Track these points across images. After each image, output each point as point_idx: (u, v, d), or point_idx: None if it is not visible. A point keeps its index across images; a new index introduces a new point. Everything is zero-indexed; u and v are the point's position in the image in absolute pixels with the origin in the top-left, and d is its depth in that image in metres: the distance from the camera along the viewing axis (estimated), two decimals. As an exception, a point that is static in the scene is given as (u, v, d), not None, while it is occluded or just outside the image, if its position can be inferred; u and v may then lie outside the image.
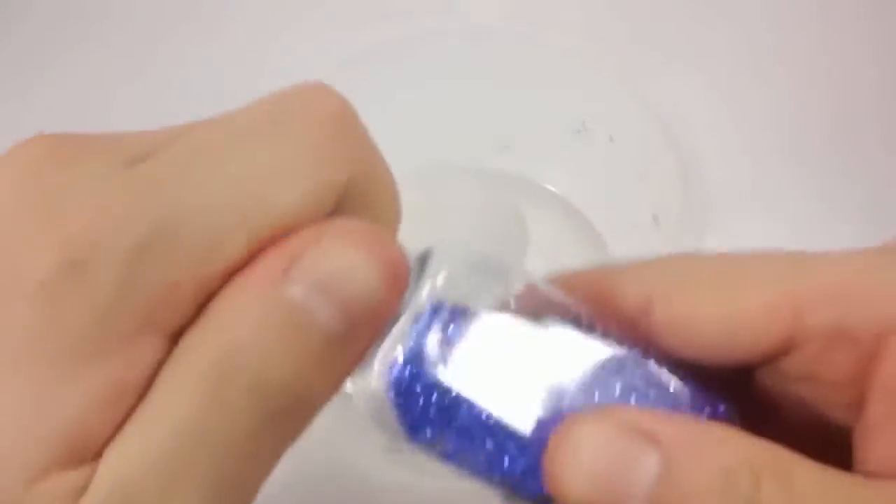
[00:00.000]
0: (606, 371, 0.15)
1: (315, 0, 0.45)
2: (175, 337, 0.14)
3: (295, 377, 0.14)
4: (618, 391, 0.15)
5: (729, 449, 0.13)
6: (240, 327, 0.13)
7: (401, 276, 0.14)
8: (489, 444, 0.15)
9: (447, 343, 0.15)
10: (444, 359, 0.15)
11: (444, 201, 0.40)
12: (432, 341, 0.15)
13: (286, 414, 0.14)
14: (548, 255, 0.42)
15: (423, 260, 0.16)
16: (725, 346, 0.15)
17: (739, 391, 0.16)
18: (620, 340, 0.16)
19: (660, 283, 0.16)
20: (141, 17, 0.56)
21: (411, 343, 0.15)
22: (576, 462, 0.13)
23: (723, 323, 0.15)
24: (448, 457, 0.16)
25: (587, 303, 0.16)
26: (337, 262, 0.14)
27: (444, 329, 0.15)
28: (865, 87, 0.48)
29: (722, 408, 0.16)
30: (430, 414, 0.15)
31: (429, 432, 0.15)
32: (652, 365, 0.15)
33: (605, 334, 0.16)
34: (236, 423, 0.13)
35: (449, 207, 0.41)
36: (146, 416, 0.13)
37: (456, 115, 0.40)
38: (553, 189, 0.44)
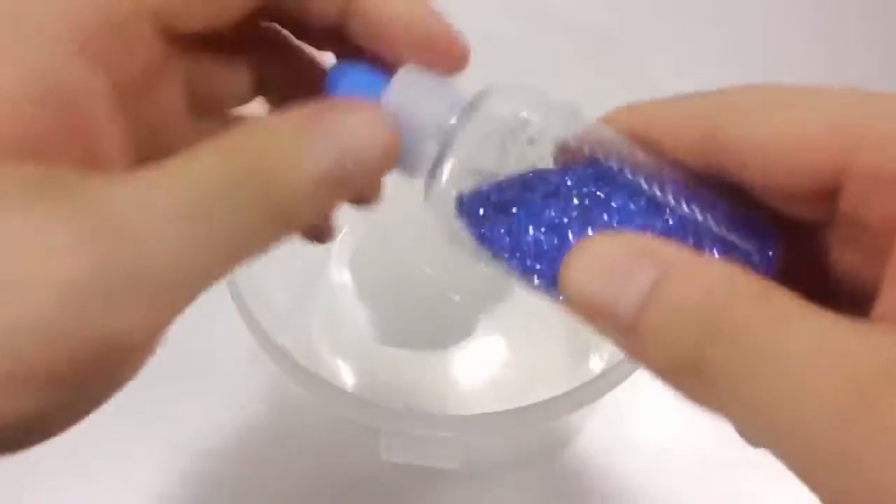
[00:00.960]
0: (642, 207, 0.17)
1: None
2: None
3: (300, 196, 0.16)
4: (654, 226, 0.16)
5: (717, 274, 0.14)
6: (278, 138, 0.16)
7: (393, 154, 0.17)
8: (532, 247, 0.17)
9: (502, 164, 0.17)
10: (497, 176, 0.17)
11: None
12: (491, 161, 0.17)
13: (279, 222, 0.16)
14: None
15: (481, 96, 0.18)
16: (785, 165, 0.16)
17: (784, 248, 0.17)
18: (663, 181, 0.17)
19: (729, 106, 0.16)
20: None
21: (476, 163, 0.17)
22: (585, 263, 0.15)
23: (786, 141, 0.15)
24: (495, 250, 0.17)
25: (641, 138, 0.17)
26: (356, 130, 0.16)
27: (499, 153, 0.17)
28: (864, 85, 0.48)
29: (756, 258, 0.16)
30: (487, 216, 0.17)
31: (485, 230, 0.17)
32: (691, 208, 0.16)
33: (649, 174, 0.17)
34: (244, 209, 0.15)
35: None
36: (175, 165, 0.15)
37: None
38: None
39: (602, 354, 0.39)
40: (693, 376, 0.14)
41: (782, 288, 0.14)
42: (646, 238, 0.15)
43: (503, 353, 0.40)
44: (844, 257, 0.17)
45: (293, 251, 0.42)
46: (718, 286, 0.14)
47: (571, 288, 0.15)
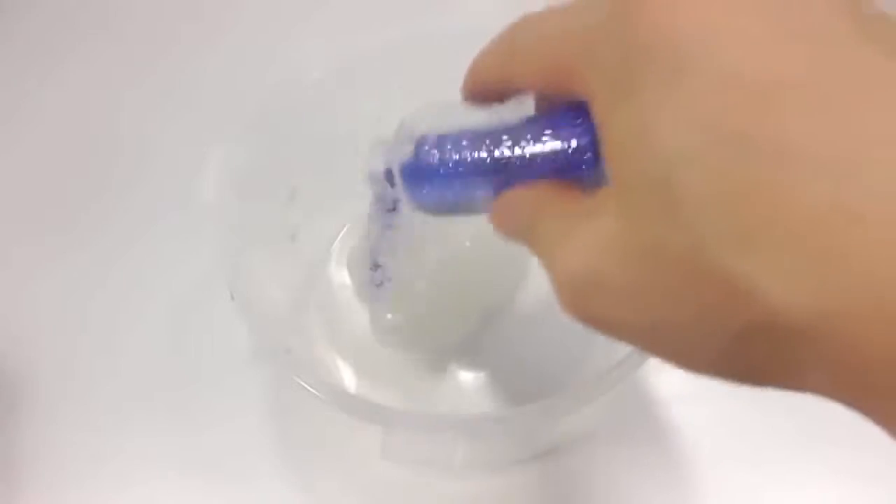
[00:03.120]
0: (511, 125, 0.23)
1: (318, 1, 0.45)
2: None
3: None
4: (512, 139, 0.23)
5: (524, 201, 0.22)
6: None
7: None
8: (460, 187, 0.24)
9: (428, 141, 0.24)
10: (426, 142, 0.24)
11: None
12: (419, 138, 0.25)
13: None
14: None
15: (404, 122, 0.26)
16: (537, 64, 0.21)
17: None
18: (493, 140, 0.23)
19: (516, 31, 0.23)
20: (142, 17, 0.57)
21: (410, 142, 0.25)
22: (504, 215, 0.23)
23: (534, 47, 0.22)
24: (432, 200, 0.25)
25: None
26: None
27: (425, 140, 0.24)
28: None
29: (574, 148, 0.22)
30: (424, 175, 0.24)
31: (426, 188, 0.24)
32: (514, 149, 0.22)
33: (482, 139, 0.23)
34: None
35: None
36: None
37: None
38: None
39: (603, 355, 0.39)
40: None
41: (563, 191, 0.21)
42: (506, 195, 0.23)
43: (504, 353, 0.40)
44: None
45: (293, 251, 0.43)
46: (525, 210, 0.22)
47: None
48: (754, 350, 0.16)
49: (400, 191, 0.25)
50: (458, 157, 0.23)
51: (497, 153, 0.23)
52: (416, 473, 0.38)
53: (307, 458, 0.39)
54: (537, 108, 0.23)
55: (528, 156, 0.22)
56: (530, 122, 0.23)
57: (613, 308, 0.18)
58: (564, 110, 0.22)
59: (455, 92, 0.39)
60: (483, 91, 0.24)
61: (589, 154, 0.21)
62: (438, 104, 0.26)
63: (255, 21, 0.55)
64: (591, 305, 0.18)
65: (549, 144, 0.22)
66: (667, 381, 0.40)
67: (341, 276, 0.42)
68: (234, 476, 0.38)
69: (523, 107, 0.23)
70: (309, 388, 0.30)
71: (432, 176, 0.24)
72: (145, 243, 0.46)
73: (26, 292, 0.45)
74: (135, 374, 0.42)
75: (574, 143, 0.21)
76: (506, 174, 0.23)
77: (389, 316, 0.38)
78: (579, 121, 0.21)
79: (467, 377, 0.39)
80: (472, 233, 0.38)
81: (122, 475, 0.39)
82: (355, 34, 0.38)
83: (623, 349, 0.35)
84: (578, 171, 0.21)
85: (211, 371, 0.41)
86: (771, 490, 0.37)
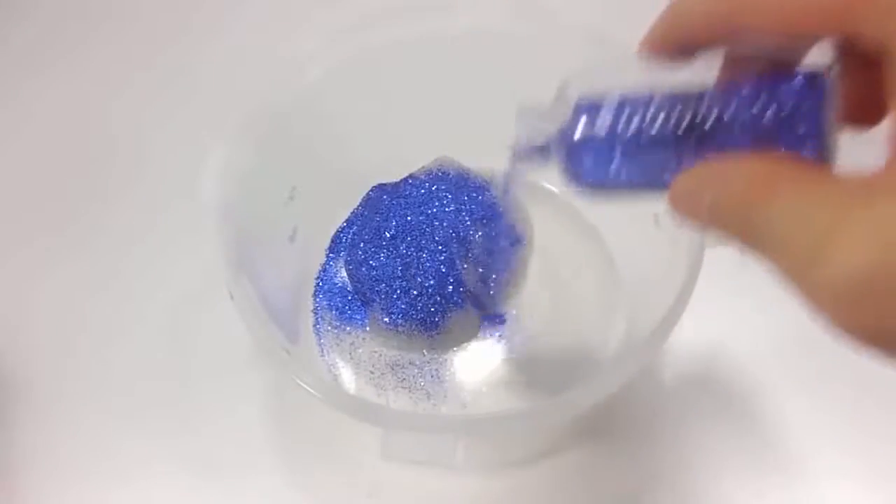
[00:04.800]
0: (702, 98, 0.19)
1: (318, 1, 0.45)
2: None
3: None
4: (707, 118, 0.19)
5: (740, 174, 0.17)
6: None
7: None
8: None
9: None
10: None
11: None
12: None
13: None
14: (547, 255, 0.42)
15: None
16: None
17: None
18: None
19: None
20: (142, 17, 0.56)
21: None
22: (696, 193, 0.19)
23: None
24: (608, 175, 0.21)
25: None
26: None
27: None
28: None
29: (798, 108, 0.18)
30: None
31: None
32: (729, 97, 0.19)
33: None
34: None
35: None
36: None
37: (456, 114, 0.40)
38: (553, 189, 0.44)
39: (604, 356, 0.39)
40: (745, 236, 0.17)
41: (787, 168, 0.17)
42: (699, 168, 0.19)
43: (504, 353, 0.40)
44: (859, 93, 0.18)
45: (293, 251, 0.43)
46: (739, 186, 0.17)
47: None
48: None
49: (558, 166, 0.21)
50: (639, 123, 0.19)
51: (689, 118, 0.19)
52: (417, 473, 0.38)
53: (307, 458, 0.39)
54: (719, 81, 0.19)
55: (736, 123, 0.18)
56: (729, 87, 0.19)
57: None
58: (763, 77, 0.18)
59: (459, 92, 0.40)
60: (682, 39, 0.20)
61: (814, 123, 0.18)
62: (605, 64, 0.21)
63: (255, 21, 0.55)
64: (888, 315, 0.14)
65: (765, 109, 0.18)
66: (665, 382, 0.40)
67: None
68: (233, 476, 0.38)
69: (709, 72, 0.20)
70: (309, 388, 0.30)
71: (600, 146, 0.20)
72: (145, 243, 0.46)
73: (25, 292, 0.45)
74: (134, 373, 0.41)
75: (798, 109, 0.18)
76: (695, 146, 0.19)
77: (387, 319, 0.38)
78: (793, 85, 0.18)
79: (467, 377, 0.39)
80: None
81: (122, 475, 0.39)
82: (355, 34, 0.38)
83: (622, 349, 0.35)
84: (799, 145, 0.18)
85: (210, 371, 0.41)
86: (771, 491, 0.37)
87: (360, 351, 0.40)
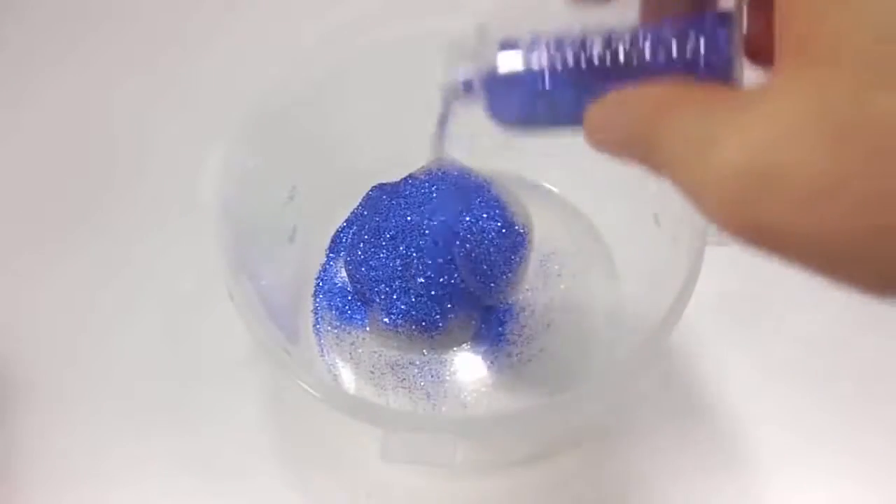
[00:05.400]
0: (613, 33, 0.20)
1: (318, 1, 0.44)
2: None
3: None
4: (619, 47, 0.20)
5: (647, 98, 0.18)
6: None
7: None
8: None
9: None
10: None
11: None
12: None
13: None
14: (547, 254, 0.42)
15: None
16: None
17: None
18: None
19: None
20: (142, 17, 0.56)
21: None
22: (608, 120, 0.20)
23: None
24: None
25: None
26: None
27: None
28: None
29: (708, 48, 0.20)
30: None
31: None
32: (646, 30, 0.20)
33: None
34: None
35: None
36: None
37: (456, 114, 0.40)
38: (553, 189, 0.44)
39: (604, 356, 0.39)
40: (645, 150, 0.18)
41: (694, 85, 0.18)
42: (610, 96, 0.19)
43: (504, 353, 0.40)
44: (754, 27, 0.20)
45: (293, 251, 0.43)
46: (644, 110, 0.18)
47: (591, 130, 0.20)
48: None
49: (480, 102, 0.22)
50: (557, 58, 0.20)
51: (605, 52, 0.20)
52: (416, 473, 0.38)
53: (307, 458, 0.39)
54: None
55: (650, 56, 0.19)
56: (641, 25, 0.20)
57: (794, 212, 0.15)
58: (678, 18, 0.20)
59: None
60: None
61: (722, 55, 0.19)
62: (523, 7, 0.23)
63: (255, 21, 0.55)
64: (763, 211, 0.15)
65: (677, 42, 0.19)
66: (665, 382, 0.40)
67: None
68: (233, 476, 0.38)
69: (628, 12, 0.21)
70: (309, 388, 0.30)
71: (522, 82, 0.21)
72: (145, 243, 0.46)
73: (25, 293, 0.45)
74: (134, 374, 0.41)
75: (707, 42, 0.19)
76: (612, 79, 0.20)
77: (387, 320, 0.38)
78: (702, 20, 0.19)
79: (467, 377, 0.39)
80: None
81: (121, 475, 0.39)
82: (355, 34, 0.38)
83: (622, 349, 0.35)
84: (710, 70, 0.19)
85: (210, 371, 0.41)
86: (772, 492, 0.37)
87: (360, 351, 0.40)
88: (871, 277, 0.15)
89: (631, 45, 0.20)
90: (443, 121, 0.28)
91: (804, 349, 0.40)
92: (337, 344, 0.41)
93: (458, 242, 0.38)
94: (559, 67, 0.21)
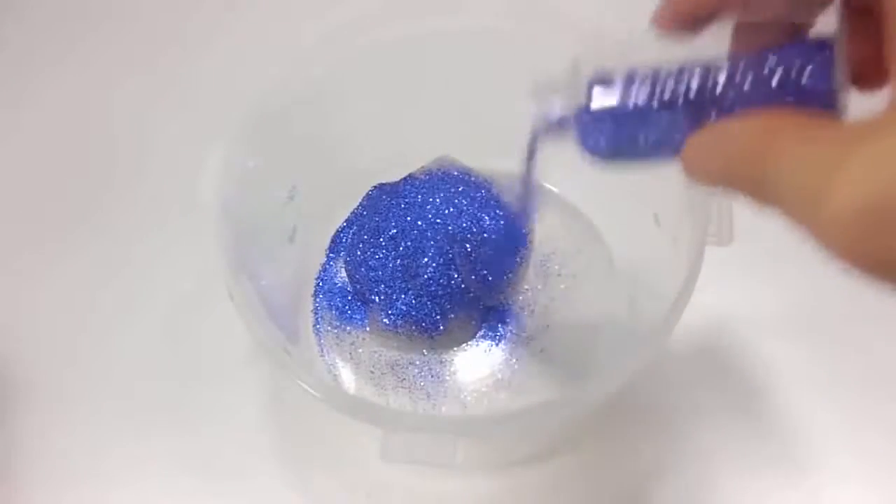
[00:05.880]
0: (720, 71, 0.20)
1: (318, 1, 0.45)
2: None
3: None
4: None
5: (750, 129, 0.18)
6: None
7: None
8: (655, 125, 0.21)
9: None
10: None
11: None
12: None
13: None
14: (547, 254, 0.42)
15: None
16: None
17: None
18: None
19: None
20: (142, 17, 0.56)
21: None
22: (709, 152, 0.19)
23: None
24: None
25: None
26: None
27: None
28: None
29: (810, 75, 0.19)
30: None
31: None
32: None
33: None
34: None
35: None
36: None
37: (457, 114, 0.40)
38: (553, 189, 0.44)
39: (604, 355, 0.39)
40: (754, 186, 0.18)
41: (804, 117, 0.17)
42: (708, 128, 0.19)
43: (504, 353, 0.40)
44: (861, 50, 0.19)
45: (292, 251, 0.43)
46: (749, 142, 0.18)
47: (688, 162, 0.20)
48: None
49: (574, 139, 0.22)
50: (650, 91, 0.20)
51: (699, 84, 0.20)
52: (416, 473, 0.38)
53: (307, 458, 0.39)
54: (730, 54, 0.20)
55: (747, 86, 0.19)
56: (737, 55, 0.20)
57: None
58: (777, 47, 0.19)
59: (460, 92, 0.40)
60: (692, 10, 0.20)
61: (822, 82, 0.18)
62: (614, 42, 0.23)
63: (255, 21, 0.55)
64: (890, 245, 0.15)
65: (774, 72, 0.19)
66: (665, 381, 0.40)
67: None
68: (233, 476, 0.38)
69: (719, 42, 0.20)
70: (309, 388, 0.30)
71: (616, 116, 0.21)
72: (145, 244, 0.46)
73: (25, 293, 0.45)
74: (134, 374, 0.41)
75: (806, 70, 0.19)
76: (710, 111, 0.20)
77: (386, 320, 0.38)
78: (800, 47, 0.19)
79: (467, 377, 0.39)
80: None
81: (121, 475, 0.39)
82: (355, 34, 0.38)
83: (622, 349, 0.35)
84: (810, 105, 0.19)
85: (210, 371, 0.41)
86: (772, 492, 0.37)
87: (360, 351, 0.40)
88: None
89: (729, 76, 0.19)
90: (532, 154, 0.28)
91: (804, 349, 0.40)
92: (337, 344, 0.41)
93: (458, 242, 0.38)
94: (655, 103, 0.20)
